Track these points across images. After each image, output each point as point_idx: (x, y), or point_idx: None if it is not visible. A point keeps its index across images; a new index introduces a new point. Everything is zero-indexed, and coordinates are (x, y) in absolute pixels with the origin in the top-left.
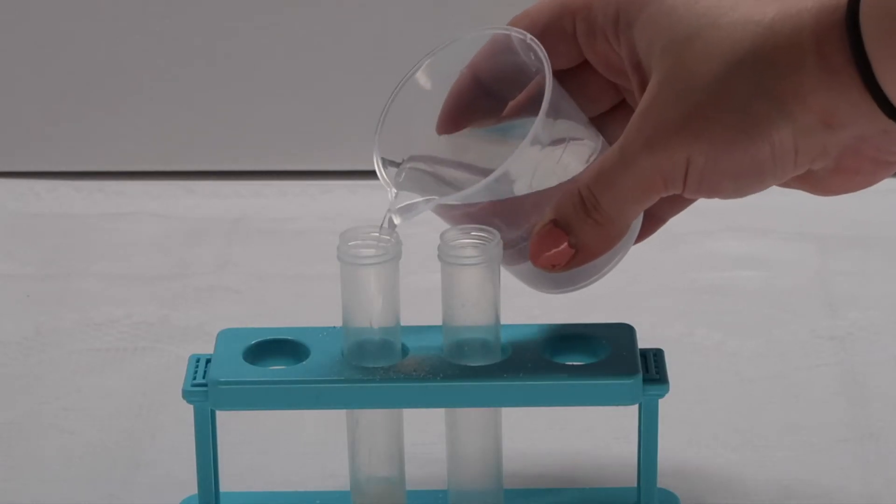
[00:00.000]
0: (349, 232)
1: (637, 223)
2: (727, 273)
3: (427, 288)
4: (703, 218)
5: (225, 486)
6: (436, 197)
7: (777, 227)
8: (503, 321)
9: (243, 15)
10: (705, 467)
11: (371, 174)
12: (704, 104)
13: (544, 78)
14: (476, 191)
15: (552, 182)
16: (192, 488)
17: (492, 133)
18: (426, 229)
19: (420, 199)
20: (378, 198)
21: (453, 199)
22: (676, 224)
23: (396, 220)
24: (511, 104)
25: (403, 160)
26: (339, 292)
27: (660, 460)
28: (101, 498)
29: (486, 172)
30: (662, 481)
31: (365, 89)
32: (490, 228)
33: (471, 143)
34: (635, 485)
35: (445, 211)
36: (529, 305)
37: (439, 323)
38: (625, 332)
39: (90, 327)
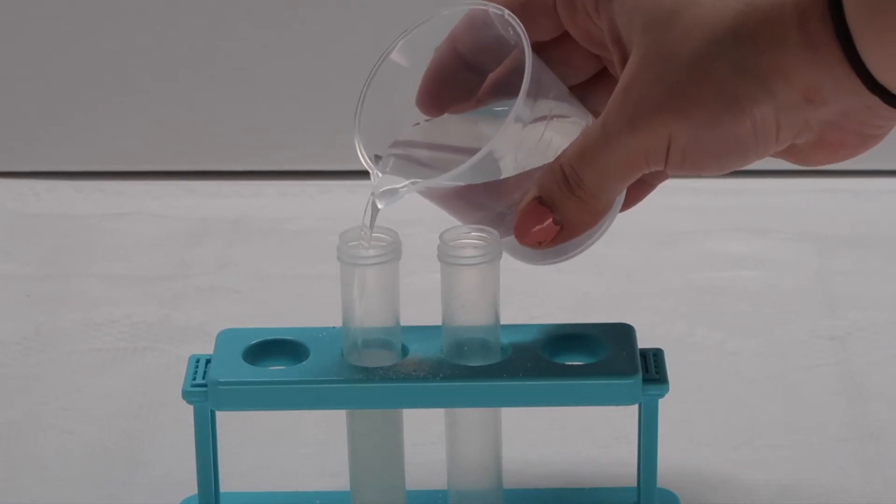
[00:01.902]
0: (349, 232)
1: (621, 195)
2: (727, 273)
3: (427, 288)
4: (703, 218)
5: (225, 486)
6: (419, 180)
7: (777, 227)
8: (503, 321)
9: (243, 15)
10: (705, 467)
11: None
12: (685, 82)
13: (523, 52)
14: (461, 171)
15: (537, 159)
16: (192, 488)
17: (473, 116)
18: (426, 229)
19: (404, 181)
20: None
21: (437, 181)
22: (676, 224)
23: (380, 204)
24: (491, 76)
25: (387, 148)
26: (339, 292)
27: (660, 460)
28: (101, 498)
29: (468, 153)
30: (662, 481)
31: None
32: (489, 229)
33: (452, 126)
34: (635, 485)
35: (432, 192)
36: (529, 305)
37: (439, 323)
38: (625, 332)
39: (90, 327)
